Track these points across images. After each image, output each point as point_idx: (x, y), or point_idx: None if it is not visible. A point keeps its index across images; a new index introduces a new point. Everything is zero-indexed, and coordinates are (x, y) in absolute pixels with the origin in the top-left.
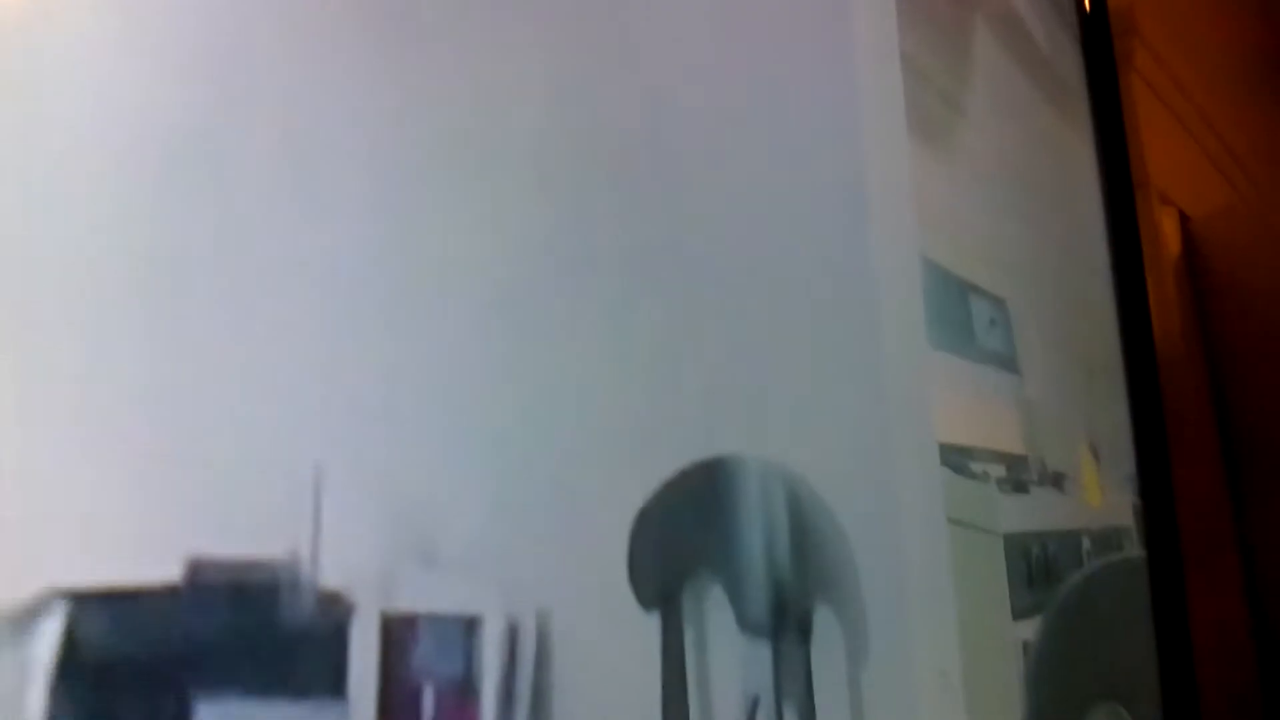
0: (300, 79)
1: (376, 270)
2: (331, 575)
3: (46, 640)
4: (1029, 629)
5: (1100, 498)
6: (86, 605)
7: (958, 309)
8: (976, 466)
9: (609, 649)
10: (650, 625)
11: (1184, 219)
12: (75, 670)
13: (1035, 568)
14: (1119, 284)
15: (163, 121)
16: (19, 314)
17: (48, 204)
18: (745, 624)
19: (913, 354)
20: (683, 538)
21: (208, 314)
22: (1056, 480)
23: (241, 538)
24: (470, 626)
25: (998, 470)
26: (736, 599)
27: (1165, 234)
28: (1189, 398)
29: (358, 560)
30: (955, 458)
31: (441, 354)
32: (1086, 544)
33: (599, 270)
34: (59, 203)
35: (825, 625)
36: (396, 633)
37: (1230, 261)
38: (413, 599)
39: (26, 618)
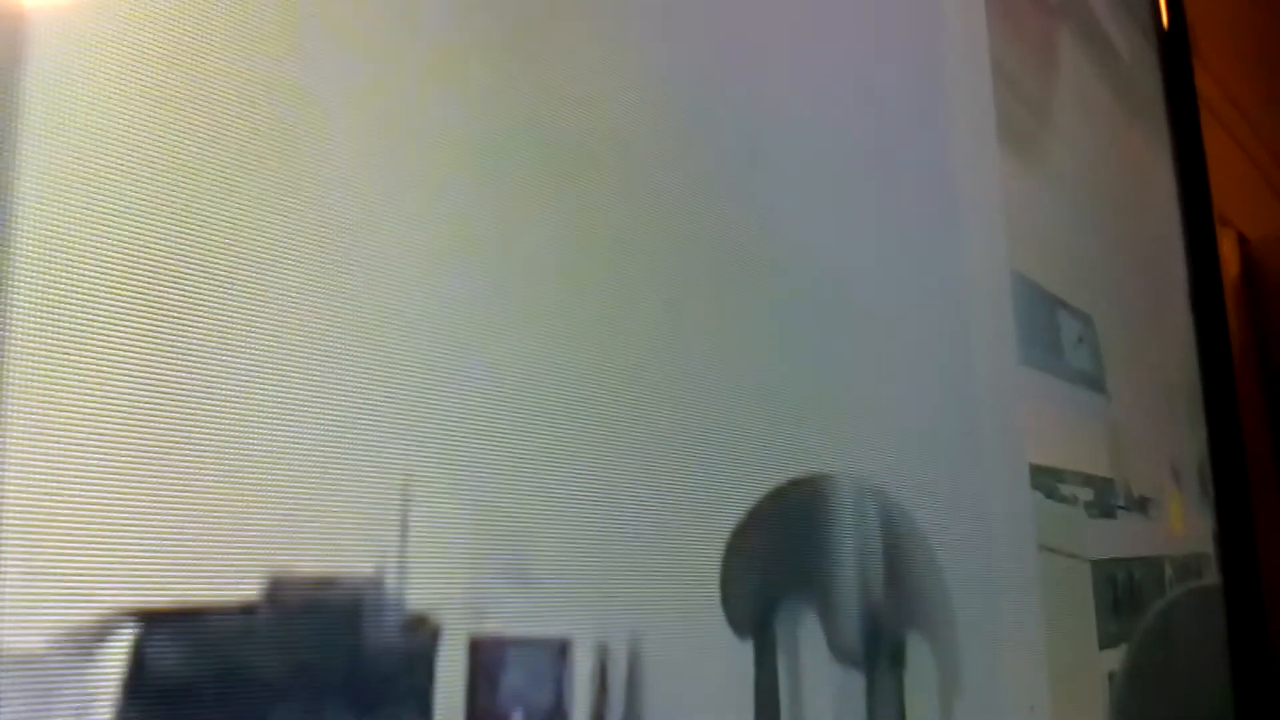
0: (389, 81)
1: (470, 283)
2: (418, 596)
3: (114, 662)
4: (1114, 659)
5: (1182, 523)
6: (157, 625)
7: (1046, 325)
8: (1066, 489)
9: (701, 676)
10: (743, 652)
11: (1242, 240)
12: (143, 693)
13: (1121, 595)
14: (1196, 305)
15: (237, 126)
16: (81, 324)
17: (110, 209)
18: (838, 652)
19: (1004, 370)
20: (776, 561)
21: (293, 325)
22: (1141, 504)
23: (325, 555)
24: (561, 651)
25: (1086, 494)
26: (830, 625)
27: (1224, 255)
28: (1250, 420)
29: (445, 580)
30: (1046, 480)
31: (535, 369)
32: (1169, 571)
33: (692, 285)
34: (124, 206)
35: (918, 654)
36: (485, 657)
37: None
38: (502, 622)
39: (95, 638)
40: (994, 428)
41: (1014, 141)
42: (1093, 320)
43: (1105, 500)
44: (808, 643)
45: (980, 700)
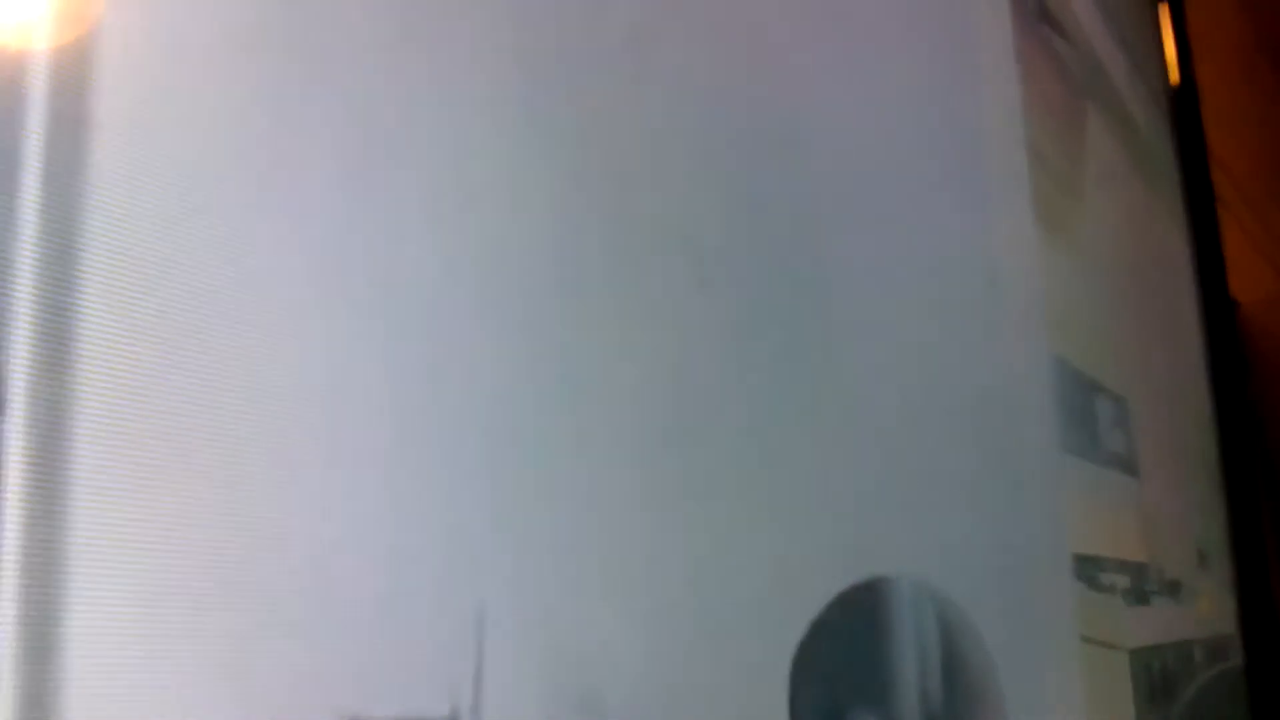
0: (453, 128)
1: (532, 396)
2: None
3: None
4: None
5: (1211, 605)
6: None
7: (1084, 409)
8: (1105, 578)
9: None
10: None
11: (1235, 305)
12: None
13: (1156, 683)
14: (1216, 381)
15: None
16: (163, 456)
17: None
18: None
19: (1047, 459)
20: (841, 671)
21: (364, 458)
22: (1172, 589)
23: (401, 692)
24: None
25: (1123, 580)
26: None
27: None
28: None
29: (521, 714)
30: (1087, 569)
31: (598, 486)
32: (1198, 655)
33: (751, 398)
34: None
35: None
36: None
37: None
38: None
39: None
40: (1039, 517)
41: (1048, 222)
42: (1126, 401)
43: (1140, 586)
44: None
45: None
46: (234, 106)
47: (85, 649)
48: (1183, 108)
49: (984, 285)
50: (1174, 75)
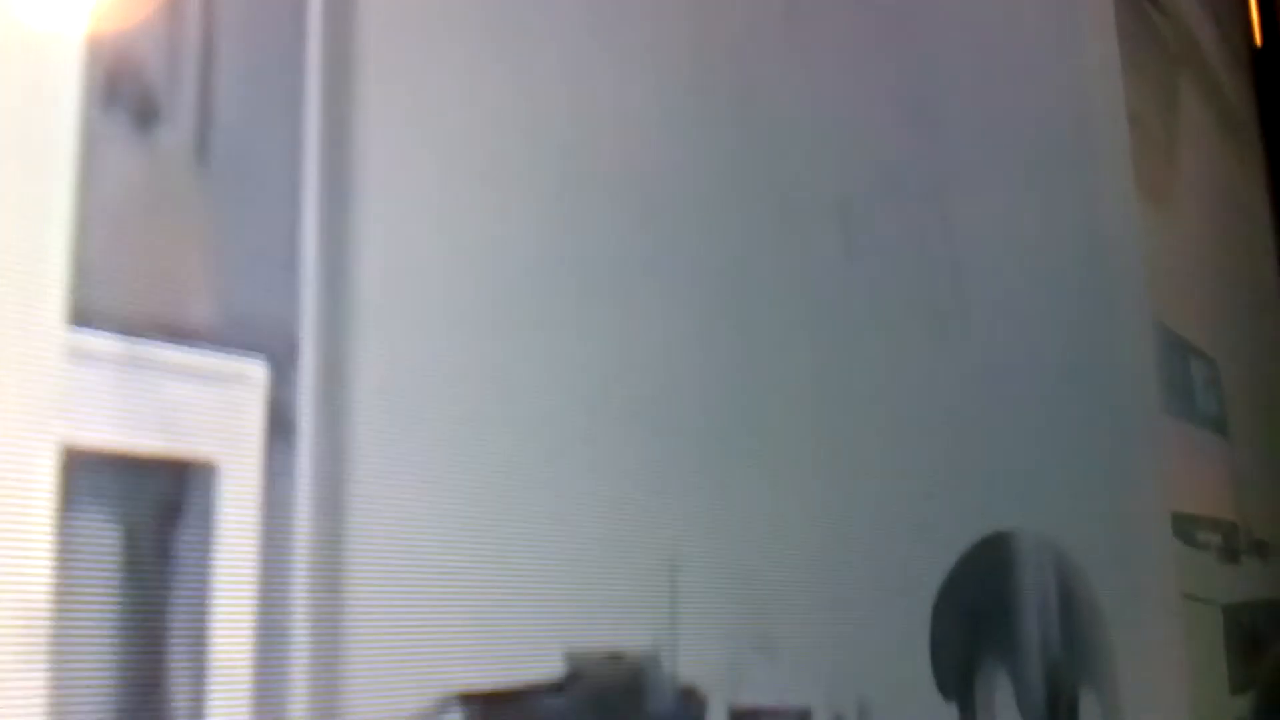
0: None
1: (721, 383)
2: (686, 667)
3: None
4: (1244, 705)
5: None
6: (481, 708)
7: (1179, 370)
8: (1201, 535)
9: None
10: (950, 715)
11: None
12: None
13: (1247, 640)
14: None
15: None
16: (421, 418)
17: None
18: (1026, 711)
19: (1148, 419)
20: (975, 621)
21: (573, 405)
22: (1261, 549)
23: (610, 630)
24: None
25: (1215, 539)
26: (1018, 684)
27: None
28: None
29: (709, 651)
30: (1184, 527)
31: (772, 444)
32: None
33: (901, 360)
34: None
35: (1090, 713)
36: None
37: None
38: (755, 692)
39: None
40: (1140, 475)
41: (1146, 188)
42: (1217, 363)
43: (1230, 545)
44: (1003, 704)
45: None
46: None
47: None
48: (1266, 71)
49: (1089, 251)
50: (1258, 38)
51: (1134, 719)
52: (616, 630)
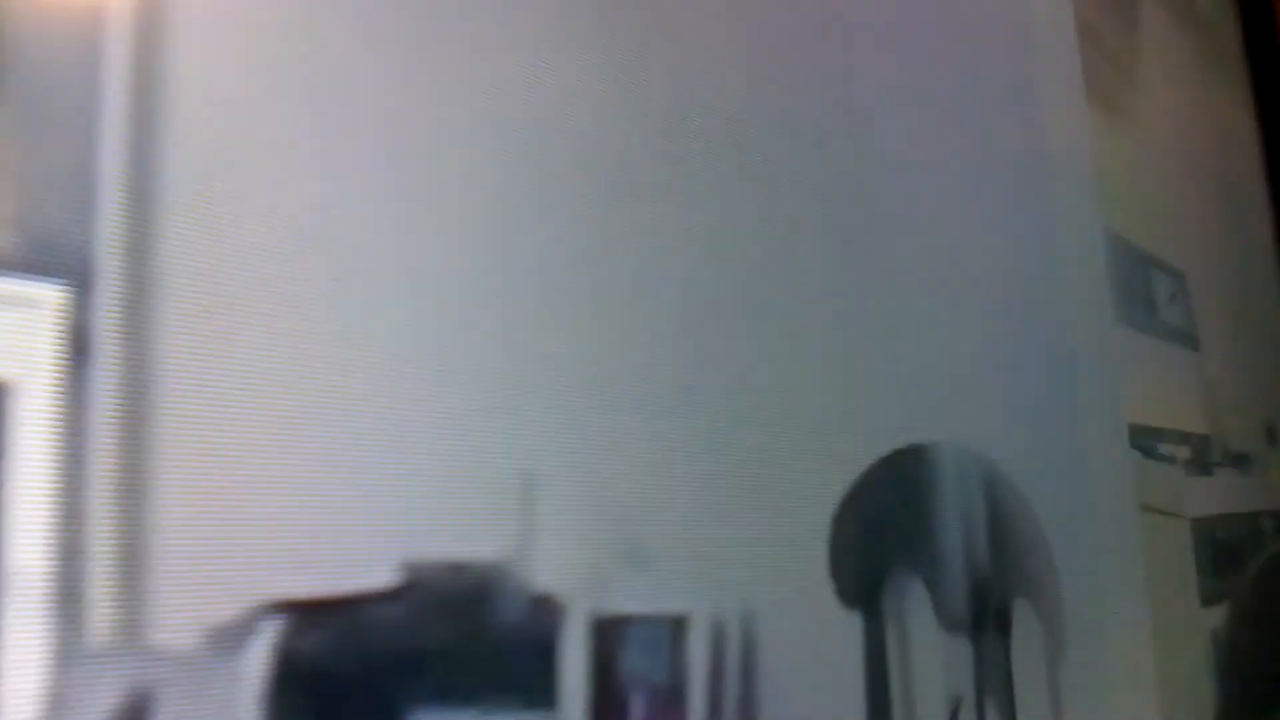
0: (502, 80)
1: (585, 274)
2: (542, 577)
3: (259, 654)
4: (1217, 617)
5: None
6: (301, 616)
7: (1140, 283)
8: (1164, 448)
9: (812, 649)
10: (852, 624)
11: None
12: (288, 683)
13: (1220, 552)
14: None
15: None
16: (231, 321)
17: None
18: (945, 621)
19: (1100, 331)
20: (882, 531)
21: (418, 318)
22: (1238, 461)
23: (453, 541)
24: (678, 628)
25: (1184, 452)
26: (936, 594)
27: None
28: None
29: (567, 561)
30: (1144, 439)
31: (645, 355)
32: (1267, 526)
33: (795, 263)
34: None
35: (1024, 621)
36: (606, 635)
37: None
38: (622, 600)
39: (241, 632)
40: (1093, 388)
41: (1100, 99)
42: (1185, 277)
43: (1202, 457)
44: (915, 612)
45: (1085, 664)
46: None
47: (165, 520)
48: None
49: (1032, 159)
50: None
51: (1083, 626)
52: (461, 542)
